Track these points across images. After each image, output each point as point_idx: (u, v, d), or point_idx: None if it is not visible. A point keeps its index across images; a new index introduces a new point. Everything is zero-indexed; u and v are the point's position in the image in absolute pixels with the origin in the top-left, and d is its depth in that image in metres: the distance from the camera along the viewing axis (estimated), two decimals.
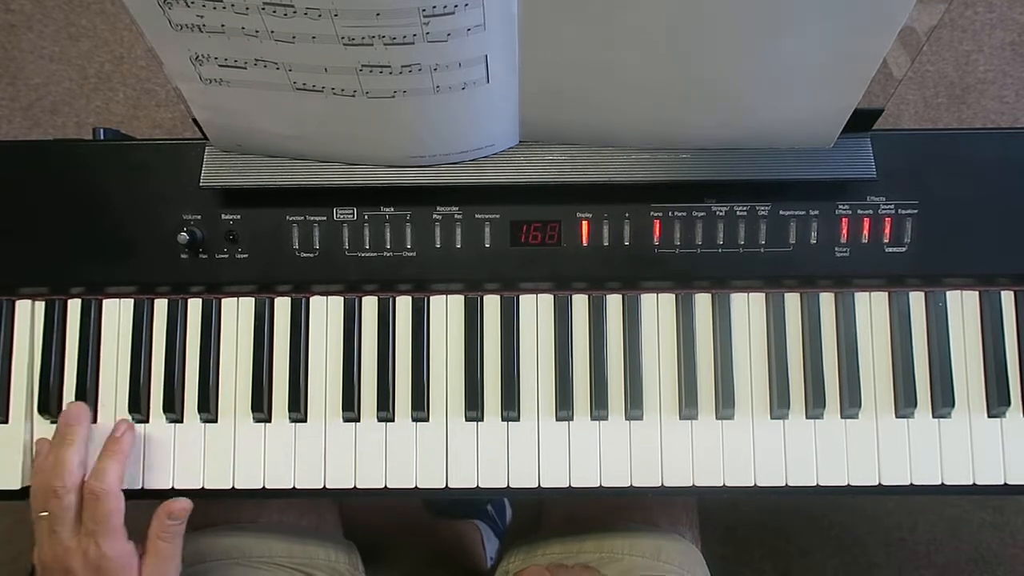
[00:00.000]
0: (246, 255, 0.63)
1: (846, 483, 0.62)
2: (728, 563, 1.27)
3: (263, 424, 0.64)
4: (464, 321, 0.64)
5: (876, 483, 0.62)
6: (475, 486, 0.63)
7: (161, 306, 0.65)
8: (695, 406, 0.63)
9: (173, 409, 0.64)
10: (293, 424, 0.64)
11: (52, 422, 0.64)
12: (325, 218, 0.63)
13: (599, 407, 0.63)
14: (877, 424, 0.63)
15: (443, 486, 0.63)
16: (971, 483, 0.62)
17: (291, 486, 0.63)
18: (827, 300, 0.64)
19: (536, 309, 0.65)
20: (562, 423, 0.63)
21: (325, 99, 0.53)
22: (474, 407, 0.63)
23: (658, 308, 0.64)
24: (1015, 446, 0.62)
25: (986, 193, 0.62)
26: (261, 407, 0.64)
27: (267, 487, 0.63)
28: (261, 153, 0.61)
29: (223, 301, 0.65)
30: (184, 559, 0.71)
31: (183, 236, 0.61)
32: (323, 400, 0.64)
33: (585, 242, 0.63)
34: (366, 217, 0.63)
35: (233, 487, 0.63)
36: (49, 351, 0.65)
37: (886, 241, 0.62)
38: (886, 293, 0.64)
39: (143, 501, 0.63)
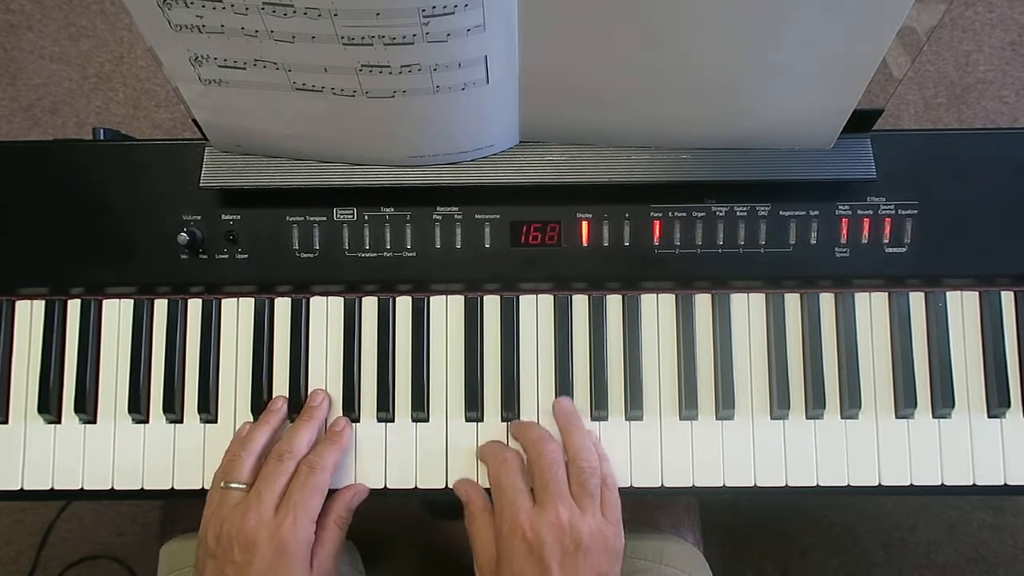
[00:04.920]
0: (246, 255, 0.63)
1: (846, 483, 0.62)
2: (728, 563, 1.27)
3: None
4: (464, 321, 0.64)
5: (876, 483, 0.62)
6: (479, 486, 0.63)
7: (161, 306, 0.65)
8: (695, 406, 0.63)
9: (173, 409, 0.64)
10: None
11: (51, 422, 0.64)
12: (325, 218, 0.63)
13: (599, 407, 0.63)
14: (877, 424, 0.63)
15: (443, 486, 0.63)
16: (971, 483, 0.62)
17: None
18: (827, 300, 0.64)
19: (536, 309, 0.65)
20: None
21: (325, 99, 0.53)
22: (474, 407, 0.63)
23: (658, 308, 0.64)
24: (1015, 446, 0.62)
25: (986, 193, 0.62)
26: (261, 408, 0.63)
27: None
28: (261, 153, 0.61)
29: (223, 301, 0.65)
30: (184, 561, 0.72)
31: (183, 236, 0.61)
32: None
33: (585, 242, 0.63)
34: (366, 217, 0.63)
35: None
36: (49, 351, 0.65)
37: (886, 241, 0.62)
38: (886, 293, 0.64)
39: (142, 502, 0.63)
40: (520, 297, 0.65)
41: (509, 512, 0.56)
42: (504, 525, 0.56)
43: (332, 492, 0.60)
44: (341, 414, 0.64)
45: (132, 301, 0.65)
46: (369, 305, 0.65)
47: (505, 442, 0.63)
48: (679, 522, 0.78)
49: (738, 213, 0.62)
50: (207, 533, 0.57)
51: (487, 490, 0.61)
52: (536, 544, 0.54)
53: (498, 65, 0.51)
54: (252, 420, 0.64)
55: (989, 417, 0.63)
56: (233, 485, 0.58)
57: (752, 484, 0.62)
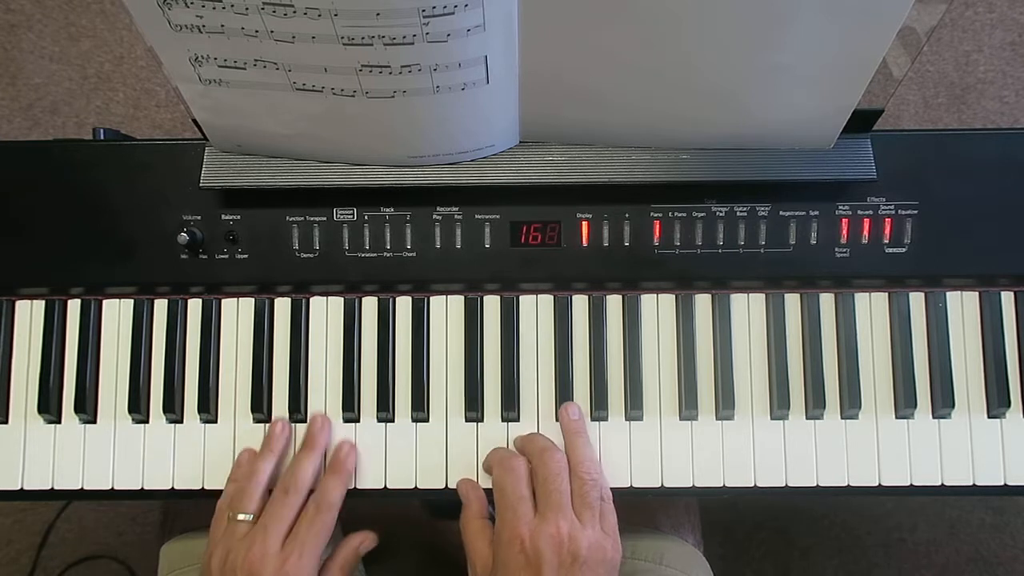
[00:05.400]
0: (246, 255, 0.63)
1: (846, 484, 0.62)
2: (728, 563, 1.27)
3: (263, 425, 0.64)
4: (464, 321, 0.64)
5: (876, 484, 0.62)
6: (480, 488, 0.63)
7: (161, 306, 0.65)
8: (695, 407, 0.63)
9: (173, 410, 0.64)
10: (293, 425, 0.64)
11: (51, 422, 0.64)
12: (325, 218, 0.63)
13: (599, 408, 0.63)
14: (877, 425, 0.63)
15: (443, 486, 0.63)
16: (971, 484, 0.62)
17: None
18: (827, 300, 0.64)
19: (536, 309, 0.65)
20: None
21: (325, 99, 0.53)
22: (474, 407, 0.63)
23: (658, 309, 0.64)
24: (1015, 446, 0.62)
25: (986, 193, 0.62)
26: (261, 408, 0.64)
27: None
28: (261, 153, 0.61)
29: (223, 301, 0.65)
30: (184, 561, 0.72)
31: (183, 236, 0.61)
32: (323, 401, 0.64)
33: (585, 242, 0.63)
34: (366, 217, 0.63)
35: None
36: (49, 351, 0.65)
37: (886, 241, 0.62)
38: (886, 293, 0.64)
39: (142, 502, 0.63)
40: (520, 297, 0.65)
41: (510, 520, 0.56)
42: (504, 532, 0.56)
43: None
44: (341, 415, 0.64)
45: (132, 301, 0.65)
46: (369, 305, 0.65)
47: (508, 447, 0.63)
48: (679, 522, 0.78)
49: (738, 213, 0.62)
50: (211, 560, 0.57)
51: (487, 489, 0.61)
52: (534, 556, 0.54)
53: (498, 65, 0.51)
54: (252, 419, 0.64)
55: (989, 417, 0.63)
56: (240, 516, 0.58)
57: (752, 484, 0.62)
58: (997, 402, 0.63)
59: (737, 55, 0.51)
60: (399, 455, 0.63)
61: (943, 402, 0.63)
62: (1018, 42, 1.34)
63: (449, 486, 0.63)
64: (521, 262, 0.63)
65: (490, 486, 0.61)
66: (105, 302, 0.65)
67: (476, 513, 0.60)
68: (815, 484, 0.62)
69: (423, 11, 0.45)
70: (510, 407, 0.63)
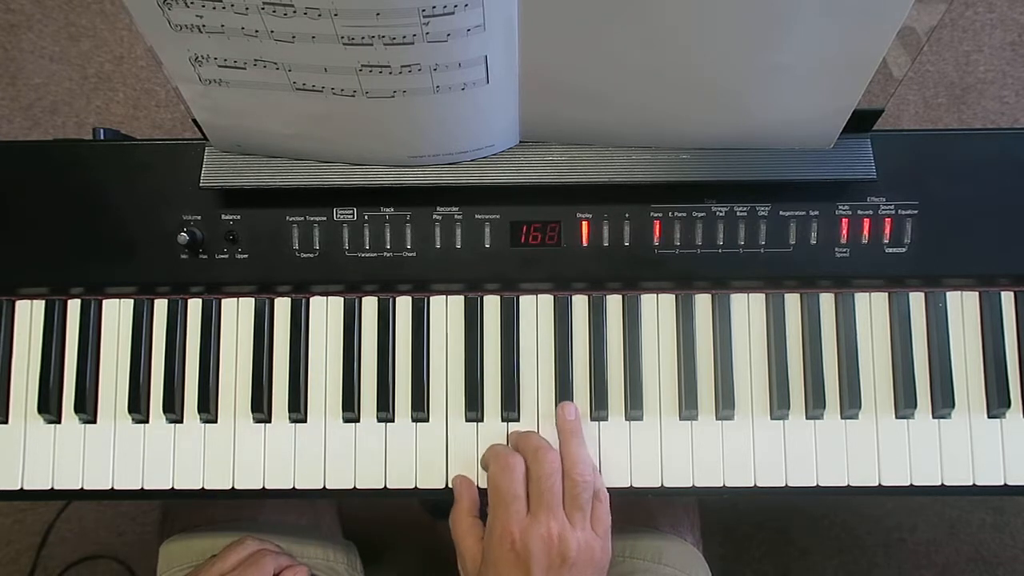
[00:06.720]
0: (246, 255, 0.63)
1: (846, 484, 0.62)
2: (728, 563, 1.27)
3: (263, 424, 0.64)
4: (464, 321, 0.64)
5: (876, 484, 0.62)
6: (475, 487, 0.63)
7: (161, 306, 0.65)
8: (695, 406, 0.63)
9: (173, 409, 0.64)
10: (293, 424, 0.64)
11: (51, 422, 0.64)
12: (325, 218, 0.63)
13: (599, 407, 0.63)
14: (877, 425, 0.63)
15: (443, 486, 0.63)
16: (971, 484, 0.62)
17: (291, 487, 0.63)
18: (827, 300, 0.64)
19: (536, 309, 0.65)
20: None
21: (325, 99, 0.53)
22: (474, 408, 0.63)
23: (658, 308, 0.64)
24: (1015, 446, 0.62)
25: (986, 193, 0.62)
26: (261, 407, 0.64)
27: (267, 488, 0.63)
28: (261, 153, 0.61)
29: (223, 301, 0.65)
30: (182, 559, 0.72)
31: (183, 236, 0.61)
32: (323, 400, 0.64)
33: (585, 242, 0.63)
34: (366, 217, 0.63)
35: (233, 488, 0.63)
36: (49, 351, 0.65)
37: (886, 241, 0.62)
38: (886, 293, 0.64)
39: (142, 502, 0.63)
40: (520, 297, 0.65)
41: (502, 517, 0.56)
42: (496, 528, 0.56)
43: None
44: (341, 415, 0.64)
45: (132, 301, 0.65)
46: (369, 305, 0.65)
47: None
48: (678, 522, 0.78)
49: (738, 213, 0.62)
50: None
51: (482, 489, 0.61)
52: (523, 554, 0.55)
53: (498, 65, 0.51)
54: (252, 419, 0.64)
55: (989, 417, 0.63)
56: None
57: (752, 484, 0.63)
58: (997, 402, 0.63)
59: (737, 55, 0.51)
60: (399, 455, 0.63)
61: (943, 402, 0.63)
62: (1018, 42, 1.34)
63: (449, 486, 0.63)
64: (521, 262, 0.63)
65: (486, 484, 0.61)
66: (105, 302, 0.65)
67: (468, 510, 0.60)
68: (815, 484, 0.62)
69: (423, 11, 0.45)
70: (510, 407, 0.63)
